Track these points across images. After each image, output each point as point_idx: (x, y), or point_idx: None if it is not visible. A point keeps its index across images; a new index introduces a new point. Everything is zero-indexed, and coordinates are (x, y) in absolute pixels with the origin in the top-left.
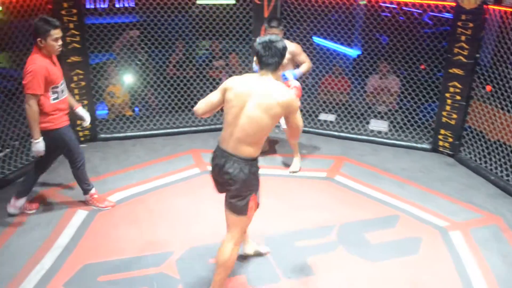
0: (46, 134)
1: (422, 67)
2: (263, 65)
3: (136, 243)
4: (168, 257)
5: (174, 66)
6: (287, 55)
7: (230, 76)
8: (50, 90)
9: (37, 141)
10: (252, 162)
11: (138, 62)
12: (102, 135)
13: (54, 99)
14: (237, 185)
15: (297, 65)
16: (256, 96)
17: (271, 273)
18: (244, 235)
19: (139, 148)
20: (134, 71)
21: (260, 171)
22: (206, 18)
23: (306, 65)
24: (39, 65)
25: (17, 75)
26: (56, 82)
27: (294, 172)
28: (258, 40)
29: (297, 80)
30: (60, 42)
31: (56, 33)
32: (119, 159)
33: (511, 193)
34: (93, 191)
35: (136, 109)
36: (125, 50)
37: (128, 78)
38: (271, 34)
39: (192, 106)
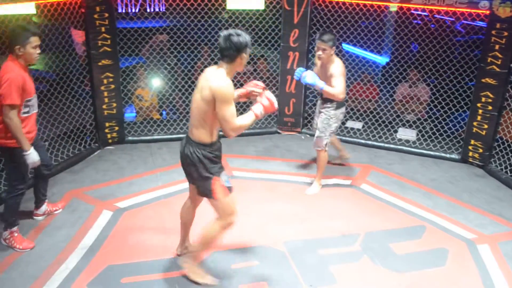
0: (6, 151)
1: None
2: (220, 56)
3: (160, 245)
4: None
5: (202, 70)
6: (329, 73)
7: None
8: (23, 103)
9: (28, 152)
10: (205, 147)
11: (167, 66)
12: (130, 138)
13: (24, 113)
14: (193, 167)
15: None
16: (201, 83)
17: (293, 280)
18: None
19: (165, 151)
20: (162, 75)
21: (285, 178)
22: (236, 24)
23: (333, 89)
24: (17, 74)
25: (49, 76)
26: (31, 94)
27: (310, 194)
28: (221, 33)
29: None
30: (38, 50)
31: (35, 40)
32: (146, 161)
33: None
34: (15, 228)
35: (164, 112)
36: (154, 54)
37: (156, 82)
38: (317, 48)
39: None
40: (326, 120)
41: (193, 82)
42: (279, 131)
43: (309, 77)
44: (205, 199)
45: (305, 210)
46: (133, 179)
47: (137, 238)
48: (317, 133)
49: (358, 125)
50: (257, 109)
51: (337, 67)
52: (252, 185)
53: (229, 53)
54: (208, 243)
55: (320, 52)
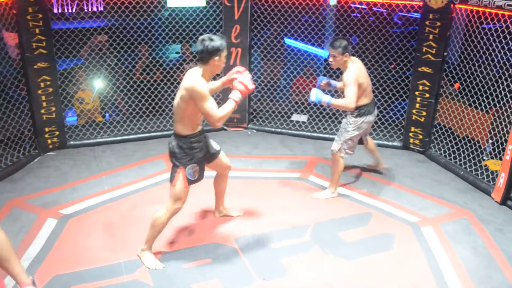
0: None
1: (392, 66)
2: (198, 58)
3: (108, 251)
4: (141, 264)
5: (144, 70)
6: (341, 83)
7: None
8: None
9: None
10: (181, 138)
11: (107, 67)
12: (72, 142)
13: None
14: (170, 155)
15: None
16: (181, 83)
17: (246, 275)
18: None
19: (109, 154)
20: (103, 76)
21: (233, 174)
22: (176, 21)
23: (343, 100)
24: None
25: None
26: None
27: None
28: (200, 37)
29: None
30: None
31: None
32: (90, 165)
33: (479, 187)
34: None
35: (107, 114)
36: (93, 55)
37: (97, 84)
38: (329, 55)
39: (163, 111)
40: (345, 125)
41: (135, 82)
42: (225, 127)
43: (312, 95)
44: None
45: (254, 205)
46: (77, 184)
47: (85, 245)
48: (336, 138)
49: (303, 118)
50: (234, 96)
51: (348, 75)
52: (200, 183)
53: (202, 55)
54: (156, 226)
55: (330, 59)
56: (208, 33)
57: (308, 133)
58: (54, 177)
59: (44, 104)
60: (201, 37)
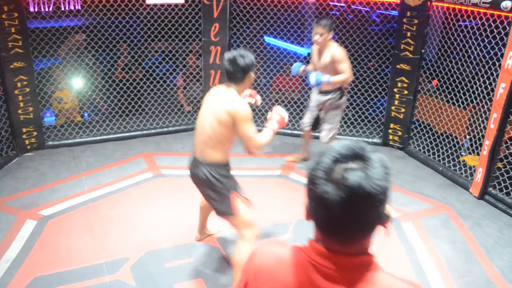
0: None
1: (371, 64)
2: (227, 78)
3: (89, 251)
4: (123, 264)
5: (123, 69)
6: (328, 58)
7: (185, 76)
8: None
9: None
10: (221, 167)
11: (85, 66)
12: (50, 143)
13: None
14: (210, 188)
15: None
16: (214, 105)
17: (229, 274)
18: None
19: (89, 154)
20: (82, 76)
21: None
22: (155, 20)
23: (341, 76)
24: None
25: None
26: None
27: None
28: (225, 55)
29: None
30: None
31: None
32: (69, 166)
33: (458, 182)
34: None
35: (85, 114)
36: (71, 54)
37: (76, 83)
38: (314, 34)
39: (143, 109)
40: (334, 110)
41: (114, 81)
42: None
43: (312, 79)
44: None
45: None
46: (57, 185)
47: (65, 246)
48: (327, 126)
49: None
50: (272, 125)
51: (339, 51)
52: (182, 182)
53: (237, 76)
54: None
55: (317, 36)
56: (187, 31)
57: (289, 131)
58: (33, 178)
59: (21, 104)
60: (230, 56)
